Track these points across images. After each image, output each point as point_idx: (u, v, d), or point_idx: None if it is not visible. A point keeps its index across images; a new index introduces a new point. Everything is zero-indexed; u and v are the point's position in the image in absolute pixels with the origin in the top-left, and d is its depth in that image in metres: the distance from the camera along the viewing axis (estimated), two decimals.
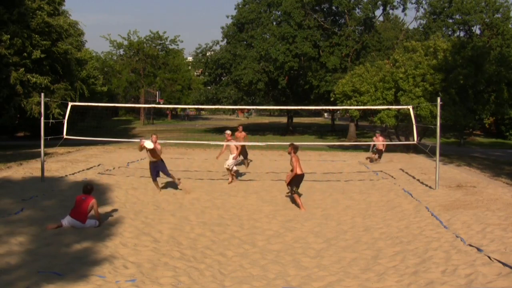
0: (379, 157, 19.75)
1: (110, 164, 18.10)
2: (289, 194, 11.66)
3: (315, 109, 56.67)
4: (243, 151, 17.58)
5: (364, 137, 39.15)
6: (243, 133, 18.35)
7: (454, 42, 26.10)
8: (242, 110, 69.46)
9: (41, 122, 14.02)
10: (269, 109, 65.52)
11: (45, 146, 14.31)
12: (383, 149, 19.79)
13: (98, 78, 44.06)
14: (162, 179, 13.52)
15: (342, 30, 37.56)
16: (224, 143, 15.33)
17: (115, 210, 10.48)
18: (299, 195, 11.44)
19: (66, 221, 8.94)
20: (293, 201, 11.61)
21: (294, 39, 36.41)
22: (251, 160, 18.44)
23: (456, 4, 40.58)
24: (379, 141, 19.69)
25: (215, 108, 45.60)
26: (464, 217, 9.88)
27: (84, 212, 9.00)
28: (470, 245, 7.97)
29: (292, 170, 11.17)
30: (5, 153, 21.31)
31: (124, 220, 9.64)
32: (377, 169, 17.83)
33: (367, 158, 20.12)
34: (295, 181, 11.19)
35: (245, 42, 40.56)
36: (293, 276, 6.85)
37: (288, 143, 11.77)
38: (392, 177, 15.97)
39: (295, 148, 11.35)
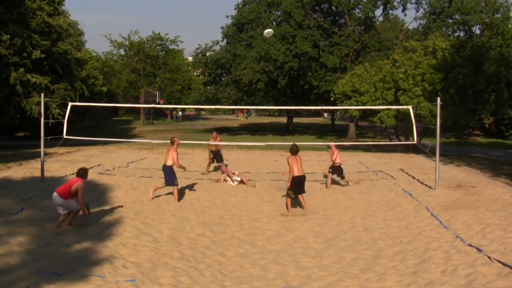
0: (340, 175, 14.40)
1: (110, 164, 18.10)
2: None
3: (315, 109, 56.63)
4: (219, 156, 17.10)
5: (364, 137, 39.15)
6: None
7: (453, 41, 26.12)
8: (242, 110, 69.36)
9: (41, 122, 14.03)
10: (269, 109, 65.48)
11: (45, 146, 14.32)
12: (340, 164, 14.44)
13: (98, 78, 44.01)
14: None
15: (342, 30, 37.56)
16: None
17: (115, 210, 10.48)
18: (292, 197, 10.91)
19: (53, 196, 9.03)
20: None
21: (294, 39, 36.43)
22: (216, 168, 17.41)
23: (456, 4, 40.60)
24: (334, 155, 14.39)
25: (215, 108, 45.52)
26: (464, 217, 9.89)
27: (67, 190, 8.93)
28: (470, 245, 7.97)
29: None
30: (5, 153, 21.30)
31: (124, 220, 9.64)
32: (376, 169, 17.84)
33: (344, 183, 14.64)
34: (292, 184, 10.85)
35: (245, 42, 40.54)
36: (293, 276, 6.86)
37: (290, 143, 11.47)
38: (392, 177, 15.98)
39: (291, 150, 10.96)
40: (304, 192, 10.91)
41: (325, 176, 14.93)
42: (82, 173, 9.22)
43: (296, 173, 10.70)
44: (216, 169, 17.13)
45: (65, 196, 8.92)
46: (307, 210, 10.81)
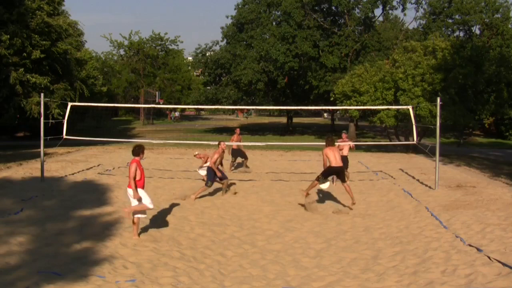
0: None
1: (110, 164, 18.10)
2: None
3: (315, 109, 56.66)
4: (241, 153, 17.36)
5: (364, 137, 39.15)
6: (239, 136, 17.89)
7: (453, 42, 26.11)
8: (241, 110, 69.38)
9: (41, 122, 14.04)
10: (269, 109, 65.48)
11: (45, 146, 14.31)
12: (347, 155, 14.64)
13: (98, 78, 44.01)
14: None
15: (342, 30, 37.56)
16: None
17: (115, 210, 10.48)
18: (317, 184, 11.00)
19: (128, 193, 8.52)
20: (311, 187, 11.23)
21: (294, 39, 36.42)
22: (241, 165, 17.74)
23: (455, 4, 40.56)
24: (346, 143, 14.91)
25: (215, 108, 45.62)
26: (464, 217, 9.89)
27: (130, 178, 8.38)
28: (470, 245, 7.97)
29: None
30: (5, 153, 21.30)
31: (124, 220, 9.63)
32: (376, 169, 17.83)
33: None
34: (325, 171, 10.96)
35: (244, 42, 40.52)
36: (293, 276, 6.86)
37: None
38: (392, 177, 15.97)
39: (327, 141, 11.13)
40: (345, 181, 10.95)
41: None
42: (138, 150, 8.57)
43: (333, 164, 10.80)
44: (236, 167, 17.34)
45: (130, 186, 8.39)
46: (354, 202, 10.79)
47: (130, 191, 8.39)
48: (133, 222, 8.53)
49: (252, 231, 9.25)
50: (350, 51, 36.85)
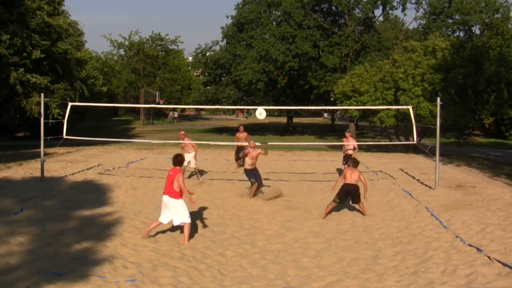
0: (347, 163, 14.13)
1: (110, 164, 18.10)
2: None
3: (315, 109, 56.67)
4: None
5: (364, 137, 39.16)
6: (245, 134, 18.18)
7: (453, 41, 26.11)
8: (242, 110, 69.33)
9: (41, 122, 14.04)
10: (269, 109, 65.32)
11: (45, 146, 14.32)
12: (353, 154, 15.00)
13: (98, 78, 43.98)
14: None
15: (342, 30, 37.56)
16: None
17: (115, 210, 10.48)
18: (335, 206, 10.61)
19: (163, 199, 8.45)
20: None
21: (294, 39, 36.44)
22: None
23: (455, 4, 40.56)
24: (349, 142, 15.47)
25: (215, 108, 45.63)
26: (464, 217, 9.89)
27: (170, 187, 8.37)
28: (470, 245, 7.98)
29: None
30: (5, 153, 21.30)
31: (124, 220, 9.64)
32: (377, 169, 17.83)
33: None
34: (340, 189, 10.60)
35: (245, 42, 40.53)
36: (293, 276, 6.86)
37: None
38: (392, 177, 15.97)
39: (353, 163, 10.91)
40: (357, 203, 10.62)
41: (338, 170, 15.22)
42: (180, 159, 8.61)
43: (347, 181, 10.50)
44: (242, 165, 17.34)
45: (175, 196, 8.37)
46: (365, 214, 10.56)
47: (175, 201, 8.35)
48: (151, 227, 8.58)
49: (252, 231, 9.25)
50: (350, 51, 36.84)
